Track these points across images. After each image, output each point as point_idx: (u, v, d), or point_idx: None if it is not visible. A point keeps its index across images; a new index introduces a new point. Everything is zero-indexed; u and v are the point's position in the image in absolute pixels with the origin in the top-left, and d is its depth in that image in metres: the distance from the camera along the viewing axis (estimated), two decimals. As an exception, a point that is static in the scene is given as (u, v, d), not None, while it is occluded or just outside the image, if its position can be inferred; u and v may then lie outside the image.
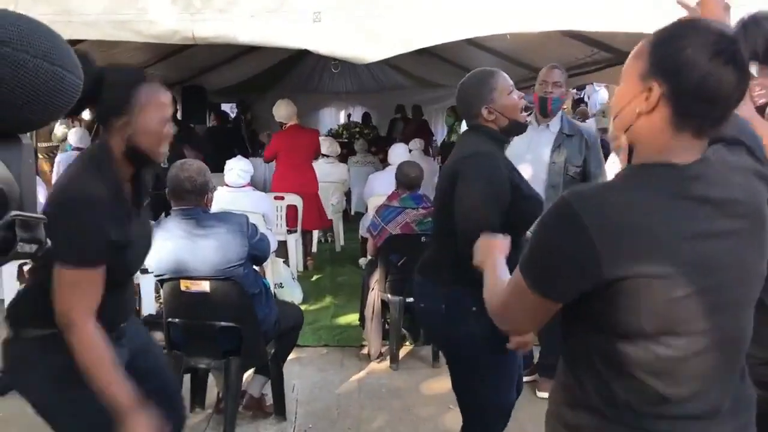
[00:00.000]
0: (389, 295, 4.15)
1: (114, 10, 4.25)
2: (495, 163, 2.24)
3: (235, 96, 11.12)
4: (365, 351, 4.43)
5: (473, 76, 2.38)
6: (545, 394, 2.60)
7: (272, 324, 3.23)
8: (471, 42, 6.01)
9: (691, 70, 1.16)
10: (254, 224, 3.12)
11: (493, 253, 1.71)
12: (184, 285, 2.96)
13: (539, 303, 1.28)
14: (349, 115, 13.19)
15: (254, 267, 3.20)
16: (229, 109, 11.94)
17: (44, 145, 9.75)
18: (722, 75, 1.14)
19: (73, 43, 6.15)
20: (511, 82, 2.37)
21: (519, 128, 2.38)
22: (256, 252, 3.09)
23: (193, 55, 8.44)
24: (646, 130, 1.24)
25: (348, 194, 8.78)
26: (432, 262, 2.41)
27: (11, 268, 5.23)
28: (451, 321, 2.27)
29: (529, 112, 3.98)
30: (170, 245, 2.93)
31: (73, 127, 8.66)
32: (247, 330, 3.06)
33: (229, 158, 5.32)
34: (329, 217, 7.48)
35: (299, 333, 3.63)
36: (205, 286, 2.95)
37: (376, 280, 4.25)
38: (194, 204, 2.94)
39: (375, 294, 4.25)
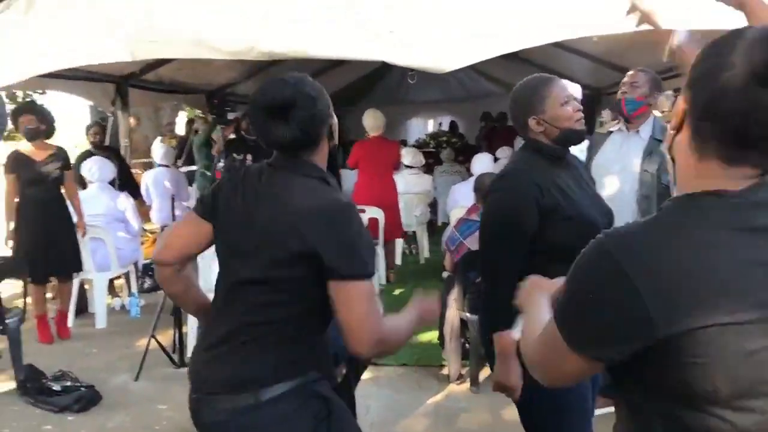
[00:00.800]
0: (468, 314, 3.97)
1: (193, 27, 4.29)
2: (516, 184, 2.07)
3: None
4: (445, 371, 4.26)
5: (524, 84, 2.18)
6: (600, 411, 2.36)
7: (342, 345, 3.11)
8: (559, 45, 5.74)
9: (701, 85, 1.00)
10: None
11: (535, 295, 1.41)
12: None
13: (579, 361, 1.07)
14: (440, 124, 13.00)
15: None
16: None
17: (141, 160, 10.16)
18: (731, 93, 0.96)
19: (158, 61, 6.35)
20: (570, 92, 2.15)
21: (574, 136, 2.14)
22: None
23: (278, 71, 8.58)
24: (678, 151, 1.07)
25: (434, 205, 8.64)
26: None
27: (102, 283, 5.41)
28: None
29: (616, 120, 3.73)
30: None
31: (168, 144, 8.93)
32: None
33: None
34: (413, 229, 7.37)
35: (372, 354, 3.49)
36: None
37: (454, 298, 4.08)
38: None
39: (453, 312, 4.08)
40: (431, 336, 4.76)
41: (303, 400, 1.76)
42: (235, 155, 6.61)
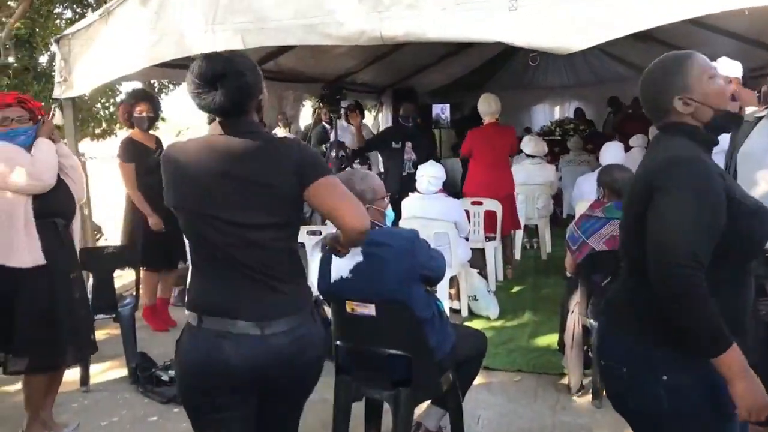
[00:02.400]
0: (591, 321, 3.59)
1: (304, 13, 4.19)
2: (705, 170, 1.67)
3: (447, 96, 10.94)
4: (564, 381, 3.91)
5: (660, 61, 1.83)
6: None
7: (448, 352, 2.87)
8: (698, 22, 5.15)
9: None
10: (426, 240, 2.78)
11: None
12: (349, 307, 2.71)
13: None
14: (577, 109, 12.18)
15: (427, 288, 2.86)
16: (440, 110, 11.82)
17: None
18: None
19: (278, 50, 6.33)
20: (714, 65, 1.80)
21: (730, 120, 1.81)
22: (428, 272, 2.74)
23: (400, 58, 8.42)
24: None
25: (559, 196, 8.18)
26: (617, 303, 1.89)
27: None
28: (635, 391, 1.75)
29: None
30: (334, 264, 2.70)
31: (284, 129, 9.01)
32: (418, 359, 2.72)
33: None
34: (534, 222, 6.99)
35: (482, 362, 3.23)
36: (371, 309, 2.67)
37: (576, 302, 3.71)
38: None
39: (575, 318, 3.71)
40: (550, 341, 4.42)
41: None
42: (394, 143, 6.48)
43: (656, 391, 1.68)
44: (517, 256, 6.77)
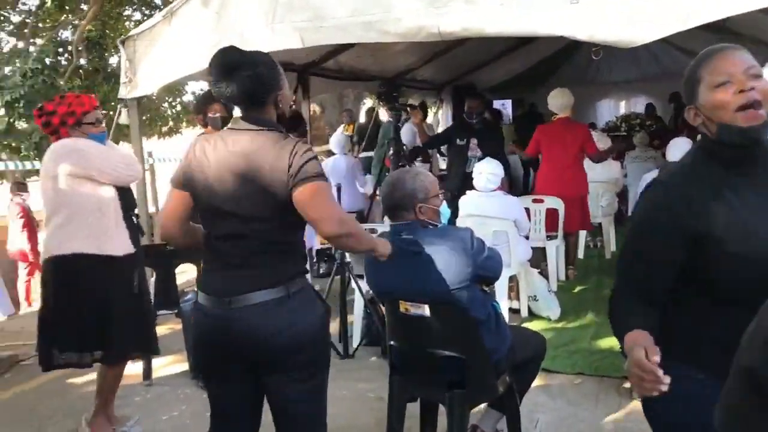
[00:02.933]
0: (656, 323, 3.46)
1: (363, 11, 4.18)
2: (655, 198, 1.64)
3: (508, 92, 10.79)
4: (627, 385, 3.78)
5: (693, 61, 1.66)
6: None
7: (505, 354, 2.81)
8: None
9: None
10: (481, 239, 2.71)
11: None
12: (402, 307, 2.68)
13: None
14: (648, 104, 11.81)
15: (484, 288, 2.80)
16: (500, 105, 11.68)
17: (325, 148, 10.41)
18: None
19: (337, 49, 6.35)
20: (739, 68, 1.53)
21: (732, 136, 1.54)
22: (484, 272, 2.68)
23: (460, 54, 8.34)
24: None
25: (624, 194, 7.95)
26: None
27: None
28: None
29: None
30: (388, 263, 2.67)
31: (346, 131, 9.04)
32: (473, 361, 2.67)
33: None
34: (598, 220, 6.81)
35: (540, 364, 3.15)
36: (424, 309, 2.63)
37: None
38: (408, 218, 2.64)
39: (639, 320, 3.58)
40: (613, 343, 4.26)
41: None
42: (458, 140, 6.42)
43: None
44: (581, 255, 6.61)
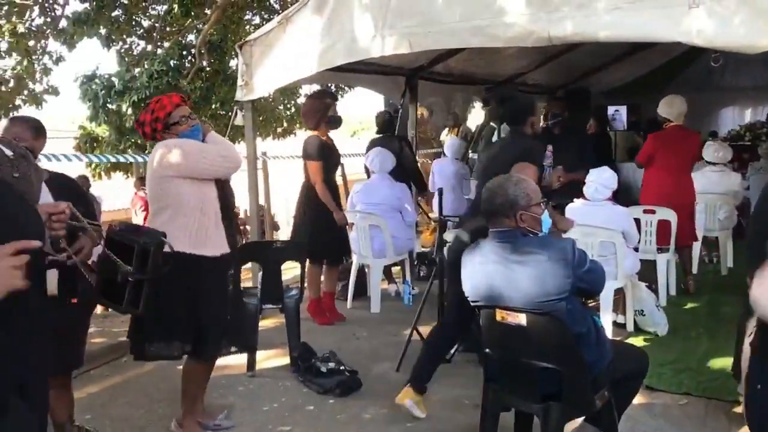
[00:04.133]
0: (773, 347, 3.25)
1: (471, 15, 4.18)
2: None
3: (624, 97, 10.41)
4: (738, 410, 3.57)
5: None
6: None
7: (604, 369, 2.73)
8: None
9: None
10: (583, 251, 2.65)
11: None
12: (499, 315, 2.66)
13: None
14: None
15: (584, 301, 2.74)
16: (614, 112, 11.29)
17: (431, 150, 10.45)
18: None
19: (447, 53, 6.35)
20: None
21: None
22: (584, 285, 2.63)
23: (574, 58, 8.15)
24: None
25: (745, 207, 7.50)
26: None
27: (377, 269, 5.57)
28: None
29: None
30: (485, 270, 2.67)
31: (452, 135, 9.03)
32: (571, 374, 2.62)
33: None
34: (715, 234, 6.47)
35: (642, 381, 3.04)
36: (521, 318, 2.61)
37: (755, 326, 3.38)
38: (509, 226, 2.62)
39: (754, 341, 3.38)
40: (724, 364, 4.06)
41: None
42: None
43: None
44: (695, 270, 6.30)
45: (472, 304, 2.84)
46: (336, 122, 5.17)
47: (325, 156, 5.13)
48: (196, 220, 3.20)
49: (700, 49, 6.54)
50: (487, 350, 2.83)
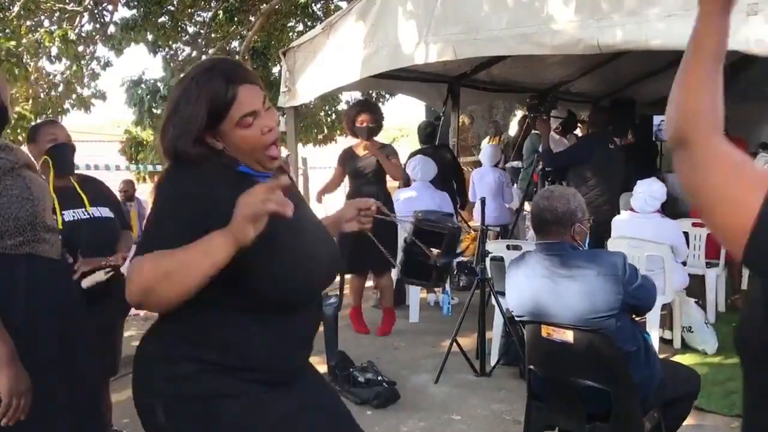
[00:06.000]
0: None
1: (518, 23, 4.12)
2: None
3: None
4: None
5: None
6: None
7: (654, 389, 2.63)
8: None
9: None
10: (633, 266, 2.56)
11: None
12: (545, 331, 2.58)
13: None
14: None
15: (633, 318, 2.64)
16: (660, 122, 11.06)
17: (472, 158, 10.35)
18: None
19: (490, 60, 6.28)
20: None
21: None
22: (635, 301, 2.53)
23: (620, 66, 7.99)
24: None
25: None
26: None
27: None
28: None
29: None
30: (531, 284, 2.59)
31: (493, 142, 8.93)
32: (619, 394, 2.52)
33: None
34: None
35: (693, 403, 2.92)
36: (568, 335, 2.52)
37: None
38: (559, 238, 2.53)
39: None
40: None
41: None
42: None
43: None
44: (744, 285, 6.08)
45: (516, 318, 2.77)
46: (361, 132, 5.13)
47: (345, 163, 5.21)
48: None
49: (750, 59, 6.36)
50: (531, 366, 2.75)
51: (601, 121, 5.97)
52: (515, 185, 7.55)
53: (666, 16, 3.61)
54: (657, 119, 9.50)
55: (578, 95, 9.21)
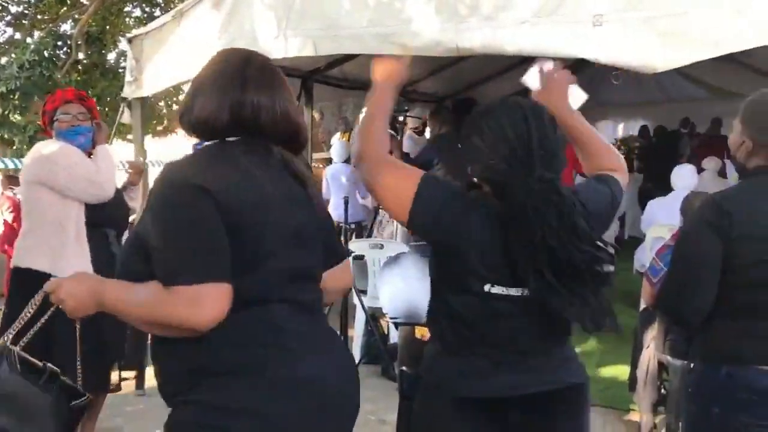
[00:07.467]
0: (669, 357, 3.38)
1: (379, 22, 4.10)
2: None
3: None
4: (633, 417, 3.70)
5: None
6: None
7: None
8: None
9: None
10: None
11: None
12: (419, 332, 2.59)
13: None
14: (643, 127, 11.85)
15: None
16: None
17: (323, 155, 10.31)
18: None
19: (344, 57, 6.26)
20: None
21: None
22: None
23: (466, 67, 8.26)
24: None
25: (622, 218, 7.94)
26: None
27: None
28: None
29: None
30: (406, 285, 2.58)
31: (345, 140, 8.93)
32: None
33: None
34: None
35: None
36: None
37: (652, 337, 3.51)
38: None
39: (650, 353, 3.51)
40: (617, 372, 4.22)
41: None
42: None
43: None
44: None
45: (390, 320, 2.75)
46: None
47: None
48: (53, 236, 2.87)
49: (584, 64, 6.83)
50: (403, 368, 2.74)
51: (451, 120, 6.16)
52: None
53: (520, 23, 3.75)
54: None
55: (425, 95, 9.43)
